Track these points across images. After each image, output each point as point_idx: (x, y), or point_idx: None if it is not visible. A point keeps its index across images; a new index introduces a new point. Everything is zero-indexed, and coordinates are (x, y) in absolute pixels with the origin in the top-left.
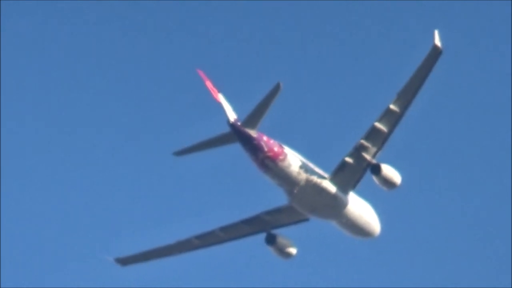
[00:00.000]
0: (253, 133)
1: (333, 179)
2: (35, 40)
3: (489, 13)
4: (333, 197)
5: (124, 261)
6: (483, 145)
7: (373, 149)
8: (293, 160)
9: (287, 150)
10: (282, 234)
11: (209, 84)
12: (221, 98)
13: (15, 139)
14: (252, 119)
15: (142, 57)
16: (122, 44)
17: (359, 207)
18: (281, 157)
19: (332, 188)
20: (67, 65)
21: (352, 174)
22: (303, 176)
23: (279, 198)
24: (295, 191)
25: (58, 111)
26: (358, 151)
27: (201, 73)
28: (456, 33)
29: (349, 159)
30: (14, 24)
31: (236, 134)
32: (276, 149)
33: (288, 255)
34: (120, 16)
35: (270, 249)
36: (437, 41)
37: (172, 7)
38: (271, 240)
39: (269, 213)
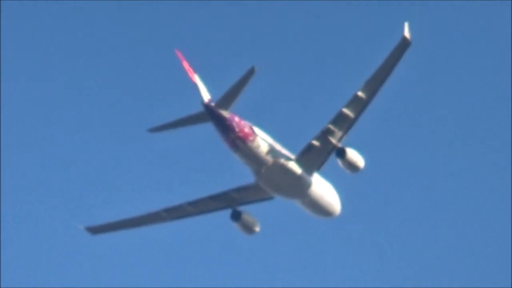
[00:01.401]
0: (225, 113)
1: (299, 160)
2: (35, 40)
3: (489, 13)
4: (298, 177)
5: (94, 230)
6: (447, 130)
7: (339, 134)
8: (262, 141)
9: (257, 131)
10: (247, 211)
11: (186, 64)
12: (196, 78)
13: (15, 139)
14: (225, 100)
15: (123, 40)
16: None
17: (322, 188)
18: (251, 138)
19: (297, 169)
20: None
21: (317, 156)
22: (271, 156)
23: (246, 176)
24: (262, 170)
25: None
26: (324, 134)
27: (179, 54)
28: (456, 33)
29: (315, 142)
30: (14, 24)
31: (209, 114)
32: (246, 130)
33: (252, 231)
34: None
35: (235, 225)
36: (407, 33)
37: None
38: (236, 216)
39: (236, 190)
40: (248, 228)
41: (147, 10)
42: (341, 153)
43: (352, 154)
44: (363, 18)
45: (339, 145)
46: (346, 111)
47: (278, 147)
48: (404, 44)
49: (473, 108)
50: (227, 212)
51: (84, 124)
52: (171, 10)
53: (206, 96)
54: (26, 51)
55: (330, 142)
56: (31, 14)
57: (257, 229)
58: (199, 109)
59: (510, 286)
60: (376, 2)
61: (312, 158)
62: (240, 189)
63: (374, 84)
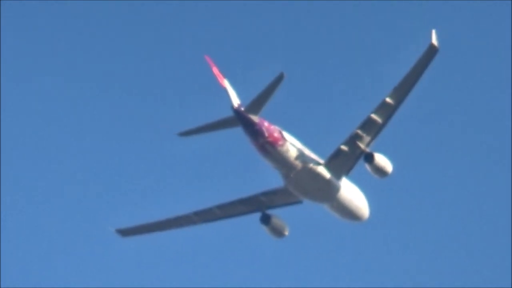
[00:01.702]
0: (255, 118)
1: (328, 165)
2: (35, 40)
3: (489, 13)
4: (327, 182)
5: (124, 232)
6: (475, 139)
7: (367, 139)
8: (291, 146)
9: (286, 136)
10: (276, 214)
11: (215, 70)
12: (226, 83)
13: (15, 139)
14: (255, 105)
15: (154, 46)
16: (131, 32)
17: (350, 192)
18: (280, 143)
19: (326, 173)
20: (69, 60)
21: (346, 161)
22: (300, 161)
23: (275, 180)
24: (292, 175)
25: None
26: (353, 139)
27: (208, 59)
28: (456, 33)
29: (344, 147)
30: (14, 24)
31: (239, 119)
32: (276, 134)
33: (281, 234)
34: (126, 6)
35: (264, 228)
36: (434, 40)
37: None
38: (265, 219)
39: (265, 194)
40: (277, 232)
41: (177, 15)
42: (369, 158)
43: (380, 159)
44: (391, 23)
45: (367, 150)
46: (374, 116)
47: (307, 151)
48: (432, 51)
49: (499, 113)
50: (256, 216)
51: (115, 128)
52: (202, 16)
53: (235, 101)
54: (26, 51)
55: (359, 147)
56: (31, 14)
57: (286, 232)
58: (229, 113)
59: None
60: (405, 6)
61: (341, 163)
62: (269, 193)
63: (402, 90)
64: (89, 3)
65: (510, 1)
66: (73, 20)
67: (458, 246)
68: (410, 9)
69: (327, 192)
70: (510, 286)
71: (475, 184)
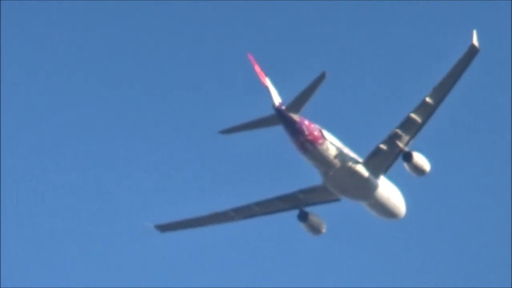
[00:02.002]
0: (296, 117)
1: (367, 163)
2: (35, 40)
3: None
4: (365, 180)
5: (163, 228)
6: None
7: (406, 138)
8: (331, 145)
9: (326, 134)
10: (314, 212)
11: (257, 68)
12: (268, 82)
13: (15, 139)
14: (296, 104)
15: (197, 42)
16: (169, 30)
17: (388, 191)
18: (320, 141)
19: (365, 172)
20: (75, 60)
21: (384, 160)
22: (339, 159)
23: (314, 178)
24: (331, 173)
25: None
26: (392, 138)
27: (251, 57)
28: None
29: (383, 146)
30: (14, 24)
31: (280, 117)
32: (316, 133)
33: (318, 232)
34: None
35: (302, 226)
36: (475, 41)
37: None
38: (303, 217)
39: (303, 191)
40: (315, 229)
41: (223, 13)
42: (407, 157)
43: (419, 158)
44: (430, 23)
45: (406, 149)
46: (414, 116)
47: (346, 150)
48: (473, 51)
49: None
50: (294, 213)
51: (158, 124)
52: (245, 14)
53: (277, 99)
54: (26, 51)
55: (397, 146)
56: (31, 14)
57: (324, 230)
58: (270, 112)
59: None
60: (445, 6)
61: (379, 162)
62: (307, 191)
63: (442, 91)
64: (89, 3)
65: (510, 1)
66: (73, 20)
67: (491, 246)
68: (452, 8)
69: (365, 190)
70: (510, 286)
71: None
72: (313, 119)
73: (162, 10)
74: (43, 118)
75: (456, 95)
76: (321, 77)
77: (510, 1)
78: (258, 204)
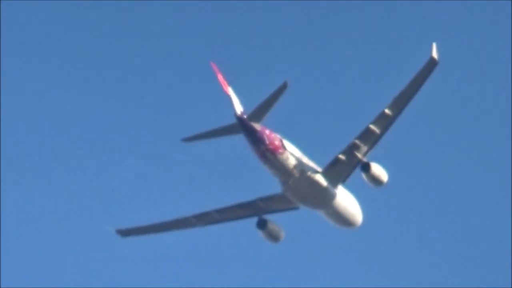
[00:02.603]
0: (257, 126)
1: (325, 173)
2: (35, 40)
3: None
4: (323, 189)
5: (124, 233)
6: (472, 149)
7: (364, 148)
8: (291, 154)
9: (287, 144)
10: (272, 220)
11: (220, 77)
12: (230, 91)
13: (15, 139)
14: (258, 113)
15: (159, 51)
16: (134, 34)
17: (345, 200)
18: (280, 151)
19: (323, 181)
20: (71, 60)
21: (343, 170)
22: (298, 169)
23: (273, 186)
24: (290, 182)
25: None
26: (351, 149)
27: (214, 66)
28: (455, 35)
29: (342, 156)
30: (14, 24)
31: (242, 126)
32: (276, 142)
33: (276, 239)
34: (128, 9)
35: (260, 233)
36: (434, 54)
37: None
38: (262, 224)
39: (263, 199)
40: (273, 237)
41: (183, 19)
42: (366, 167)
43: (376, 169)
44: (391, 36)
45: (364, 159)
46: (373, 127)
47: (306, 159)
48: (432, 64)
49: (498, 119)
50: (253, 220)
51: (120, 130)
52: (209, 21)
53: (239, 108)
54: (26, 51)
55: (356, 157)
56: (31, 14)
57: (282, 237)
58: (232, 120)
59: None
60: (405, 20)
61: (338, 171)
62: (267, 199)
63: (401, 102)
64: (90, 3)
65: (510, 1)
66: (73, 20)
67: (452, 253)
68: (412, 13)
69: (323, 199)
70: (510, 286)
71: (470, 195)
72: (274, 129)
73: (122, 12)
74: (43, 118)
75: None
76: (283, 87)
77: (510, 1)
78: (218, 211)
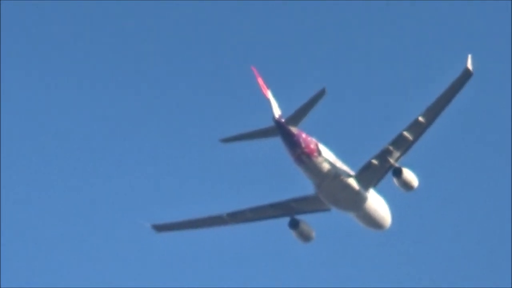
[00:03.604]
0: (294, 130)
1: (358, 177)
2: (35, 40)
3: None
4: (356, 193)
5: (159, 228)
6: (500, 157)
7: (397, 154)
8: (325, 158)
9: (322, 148)
10: (304, 220)
11: (260, 80)
12: (269, 94)
13: (15, 139)
14: (295, 117)
15: (205, 54)
16: (171, 40)
17: (376, 203)
18: (315, 154)
19: (356, 185)
20: (71, 60)
21: (375, 174)
22: (332, 172)
23: (307, 188)
24: (323, 184)
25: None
26: (384, 154)
27: (254, 70)
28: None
29: (374, 161)
30: (14, 24)
31: (279, 129)
32: (312, 146)
33: (308, 239)
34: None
35: (292, 232)
36: (470, 65)
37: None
38: (294, 224)
39: (295, 200)
40: (304, 236)
41: (227, 23)
42: (397, 172)
43: (408, 174)
44: (427, 44)
45: (396, 164)
46: (406, 134)
47: (339, 163)
48: (466, 75)
49: None
50: (285, 220)
51: (164, 128)
52: (251, 26)
53: (277, 112)
54: (26, 51)
55: (388, 162)
56: (31, 14)
57: (313, 237)
58: (270, 123)
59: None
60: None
61: (370, 176)
62: (300, 200)
63: (435, 111)
64: (89, 3)
65: (510, 1)
66: (73, 20)
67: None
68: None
69: (355, 202)
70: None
71: (498, 204)
72: (310, 133)
73: (168, 17)
74: (43, 118)
75: (450, 114)
76: (321, 93)
77: (510, 1)
78: (252, 210)
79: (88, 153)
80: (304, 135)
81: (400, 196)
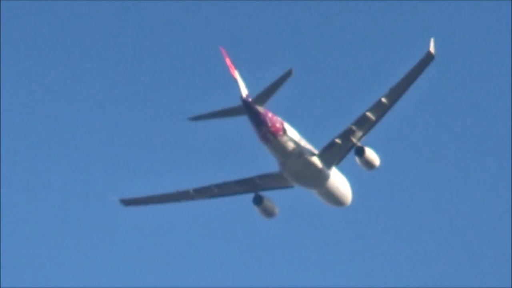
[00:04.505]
0: (261, 109)
1: (321, 155)
2: (35, 40)
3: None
4: (319, 171)
5: (127, 202)
6: (465, 140)
7: (359, 134)
8: (291, 137)
9: (287, 126)
10: (268, 196)
11: (228, 61)
12: (237, 74)
13: (15, 139)
14: (262, 97)
15: (173, 35)
16: (143, 29)
17: (338, 181)
18: (281, 133)
19: (319, 163)
20: (69, 59)
21: (338, 153)
22: (297, 151)
23: (271, 165)
24: (287, 162)
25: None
26: (347, 133)
27: (222, 50)
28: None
29: (338, 140)
30: (14, 24)
31: (246, 108)
32: (278, 125)
33: (271, 215)
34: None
35: (256, 208)
36: (432, 48)
37: None
38: (258, 200)
39: (260, 177)
40: (267, 212)
41: (197, 7)
42: (360, 151)
43: (370, 153)
44: (394, 26)
45: (359, 144)
46: (369, 114)
47: (304, 142)
48: (428, 58)
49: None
50: (250, 196)
51: (136, 108)
52: (220, 8)
53: (244, 91)
54: (26, 51)
55: (351, 141)
56: (31, 14)
57: (276, 213)
58: (237, 102)
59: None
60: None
61: (333, 154)
62: (264, 176)
63: (397, 92)
64: (89, 3)
65: (510, 1)
66: (73, 20)
67: (429, 241)
68: (415, 10)
69: (318, 180)
70: (510, 286)
71: (461, 185)
72: (276, 112)
73: (138, 4)
74: (42, 118)
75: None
76: (288, 73)
77: (510, 1)
78: (218, 186)
79: (57, 130)
80: (270, 114)
81: (362, 174)
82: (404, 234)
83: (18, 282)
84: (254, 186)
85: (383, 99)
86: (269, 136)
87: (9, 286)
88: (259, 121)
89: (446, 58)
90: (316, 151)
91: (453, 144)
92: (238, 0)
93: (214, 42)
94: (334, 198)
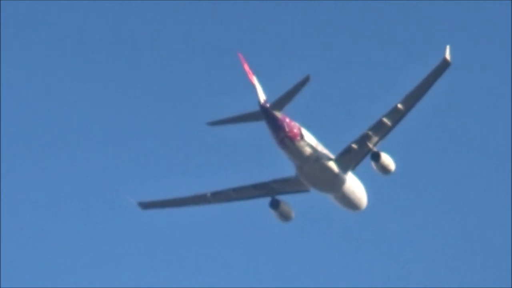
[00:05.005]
0: (278, 114)
1: (338, 160)
2: (35, 40)
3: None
4: (335, 175)
5: (145, 205)
6: (479, 146)
7: (375, 139)
8: (308, 142)
9: (304, 132)
10: (285, 200)
11: (246, 66)
12: (255, 80)
13: (15, 139)
14: (280, 103)
15: (192, 41)
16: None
17: (353, 185)
18: (298, 138)
19: (335, 168)
20: (70, 59)
21: (354, 158)
22: (314, 155)
23: (288, 170)
24: (304, 167)
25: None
26: (363, 139)
27: (241, 56)
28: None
29: (354, 145)
30: (14, 24)
31: (264, 114)
32: (295, 130)
33: (287, 219)
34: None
35: (272, 212)
36: (448, 55)
37: None
38: (275, 204)
39: (277, 181)
40: (284, 216)
41: (215, 11)
42: (375, 156)
43: (385, 158)
44: (408, 35)
45: (375, 149)
46: (385, 120)
47: (321, 147)
48: (444, 65)
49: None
50: (266, 200)
51: (154, 112)
52: (238, 14)
53: (262, 97)
54: (26, 51)
55: (367, 146)
56: (31, 14)
57: (292, 217)
58: (255, 108)
59: (510, 286)
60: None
61: (350, 159)
62: (281, 181)
63: (413, 98)
64: (89, 3)
65: (510, 1)
66: (73, 20)
67: (442, 243)
68: (431, 15)
69: (334, 185)
70: (510, 286)
71: (471, 194)
72: (294, 117)
73: (155, 8)
74: (42, 117)
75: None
76: (306, 79)
77: (510, 1)
78: (235, 190)
79: (76, 131)
80: (287, 120)
81: (377, 179)
82: (419, 238)
83: (19, 282)
84: (271, 190)
85: (399, 105)
86: (287, 141)
87: (9, 286)
88: (276, 127)
89: (461, 64)
90: (332, 156)
91: (469, 149)
92: (257, 5)
93: (234, 48)
94: (349, 202)
